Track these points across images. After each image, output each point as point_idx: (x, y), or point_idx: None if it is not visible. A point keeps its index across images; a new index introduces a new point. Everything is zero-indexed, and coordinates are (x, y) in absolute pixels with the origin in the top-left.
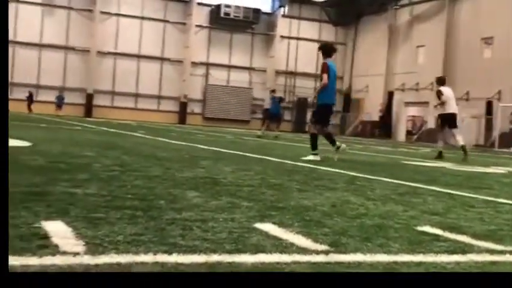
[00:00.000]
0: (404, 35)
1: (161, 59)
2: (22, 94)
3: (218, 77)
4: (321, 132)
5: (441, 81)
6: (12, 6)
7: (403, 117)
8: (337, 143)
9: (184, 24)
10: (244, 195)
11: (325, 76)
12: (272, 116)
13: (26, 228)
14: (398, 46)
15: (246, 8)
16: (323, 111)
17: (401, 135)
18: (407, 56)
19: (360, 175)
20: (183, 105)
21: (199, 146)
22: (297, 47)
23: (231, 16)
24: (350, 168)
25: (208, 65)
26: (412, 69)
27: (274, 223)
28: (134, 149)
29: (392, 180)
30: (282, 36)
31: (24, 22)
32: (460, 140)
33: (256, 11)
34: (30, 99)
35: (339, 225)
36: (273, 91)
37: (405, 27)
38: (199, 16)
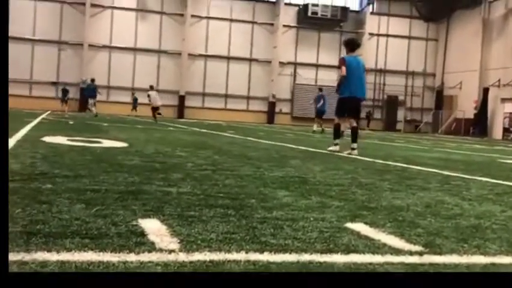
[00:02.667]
0: (499, 29)
1: (250, 60)
2: (121, 97)
3: (306, 76)
4: (344, 124)
5: None
6: (107, 13)
7: (499, 114)
8: (355, 146)
9: (271, 24)
10: (334, 195)
11: (343, 69)
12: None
13: (124, 226)
14: (493, 41)
15: (333, 7)
16: (341, 104)
17: (498, 133)
18: (502, 50)
19: (455, 174)
20: (271, 105)
21: (287, 145)
22: (387, 44)
23: (319, 15)
24: (444, 167)
25: (295, 64)
26: (508, 64)
27: (365, 223)
28: (224, 148)
29: (489, 180)
30: (370, 34)
31: (120, 27)
32: None
33: (344, 9)
34: (135, 102)
35: (433, 225)
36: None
37: (500, 21)
38: (287, 16)
